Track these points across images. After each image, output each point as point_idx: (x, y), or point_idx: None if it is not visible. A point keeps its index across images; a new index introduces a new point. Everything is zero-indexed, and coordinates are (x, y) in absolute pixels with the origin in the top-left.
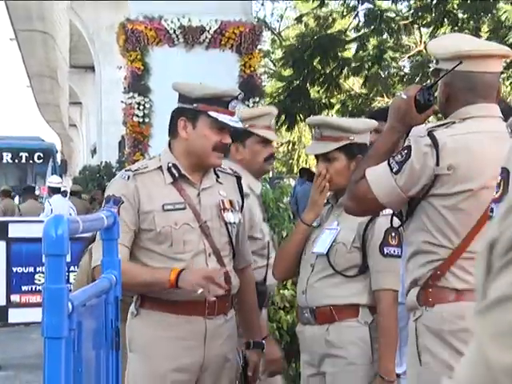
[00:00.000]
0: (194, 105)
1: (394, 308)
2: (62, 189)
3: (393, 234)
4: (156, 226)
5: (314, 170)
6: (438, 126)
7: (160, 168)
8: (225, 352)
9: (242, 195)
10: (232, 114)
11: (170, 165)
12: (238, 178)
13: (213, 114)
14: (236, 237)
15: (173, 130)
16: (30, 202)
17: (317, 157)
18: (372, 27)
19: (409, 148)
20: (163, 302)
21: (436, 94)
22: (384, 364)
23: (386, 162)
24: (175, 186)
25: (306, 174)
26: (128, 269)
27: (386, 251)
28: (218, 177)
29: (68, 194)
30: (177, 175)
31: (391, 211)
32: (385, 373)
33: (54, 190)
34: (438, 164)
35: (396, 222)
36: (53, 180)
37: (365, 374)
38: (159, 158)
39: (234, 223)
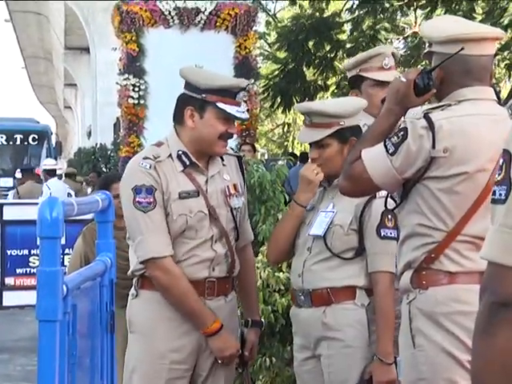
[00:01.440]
0: (203, 95)
1: (390, 290)
2: (58, 171)
3: (389, 217)
4: (173, 213)
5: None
6: (434, 108)
7: (170, 156)
8: None
9: (244, 174)
10: (239, 104)
11: (180, 152)
12: (239, 158)
13: (221, 105)
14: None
15: (179, 118)
16: (30, 184)
17: (310, 143)
18: (366, 9)
19: (405, 130)
20: None
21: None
22: (382, 346)
23: (382, 143)
24: (186, 173)
25: (306, 159)
26: (185, 291)
27: (382, 233)
28: (222, 160)
29: (63, 176)
30: (187, 163)
31: (387, 193)
32: (383, 355)
33: (50, 173)
34: (433, 146)
35: (390, 203)
36: (48, 162)
37: (362, 357)
38: (167, 144)
39: (239, 208)
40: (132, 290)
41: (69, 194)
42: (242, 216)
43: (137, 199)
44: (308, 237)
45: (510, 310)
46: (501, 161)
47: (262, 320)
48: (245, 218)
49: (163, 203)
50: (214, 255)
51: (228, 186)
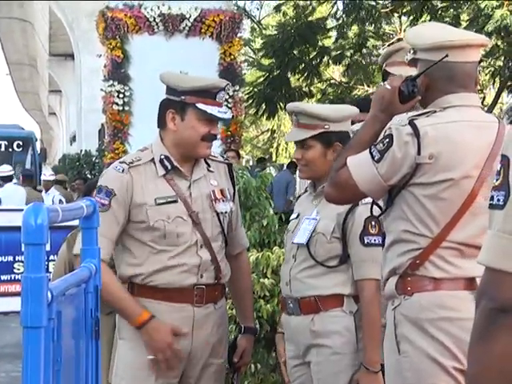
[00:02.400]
0: (182, 97)
1: (376, 297)
2: (45, 178)
3: (373, 223)
4: (149, 219)
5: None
6: (419, 114)
7: (152, 160)
8: (212, 341)
9: (234, 182)
10: (220, 104)
11: (162, 157)
12: (229, 166)
13: (201, 106)
14: (229, 224)
15: (161, 122)
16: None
17: (295, 143)
18: (353, 15)
19: (390, 137)
20: (152, 289)
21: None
22: (368, 354)
23: (367, 150)
24: (166, 178)
25: (294, 167)
26: (107, 283)
27: (366, 240)
28: (208, 165)
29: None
30: (169, 167)
31: (371, 200)
32: (369, 363)
33: (5, 179)
34: (419, 153)
35: (376, 210)
36: (3, 169)
37: (350, 364)
38: (151, 149)
39: (226, 212)
40: None
41: (60, 201)
42: (234, 221)
43: (96, 197)
44: (293, 245)
45: (509, 316)
46: (498, 166)
47: (257, 327)
48: (238, 224)
49: (125, 209)
50: (200, 261)
51: (214, 191)
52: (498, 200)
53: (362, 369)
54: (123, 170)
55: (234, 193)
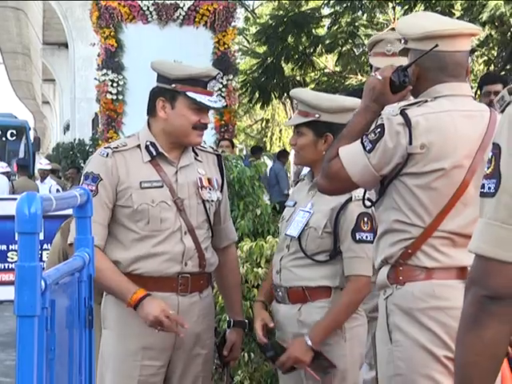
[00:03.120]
0: (173, 85)
1: (360, 294)
2: (41, 167)
3: (365, 219)
4: (133, 203)
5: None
6: (411, 104)
7: (138, 146)
8: (198, 331)
9: (223, 174)
10: (210, 93)
11: (147, 143)
12: (219, 156)
13: (191, 94)
14: (217, 215)
15: (151, 110)
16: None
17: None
18: (345, 5)
19: (382, 126)
20: (135, 278)
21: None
22: (316, 331)
23: (359, 140)
24: (153, 164)
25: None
26: (99, 267)
27: (358, 237)
28: (196, 155)
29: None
30: (154, 153)
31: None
32: (311, 337)
33: None
34: (410, 143)
35: (368, 202)
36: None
37: (336, 354)
38: (138, 136)
39: (212, 201)
40: None
41: (57, 191)
42: (222, 213)
43: (83, 185)
44: (285, 235)
45: (499, 303)
46: (490, 154)
47: (246, 320)
48: (227, 217)
49: (112, 193)
50: (184, 248)
51: (201, 179)
52: (489, 188)
53: (302, 338)
54: (107, 155)
55: (223, 184)
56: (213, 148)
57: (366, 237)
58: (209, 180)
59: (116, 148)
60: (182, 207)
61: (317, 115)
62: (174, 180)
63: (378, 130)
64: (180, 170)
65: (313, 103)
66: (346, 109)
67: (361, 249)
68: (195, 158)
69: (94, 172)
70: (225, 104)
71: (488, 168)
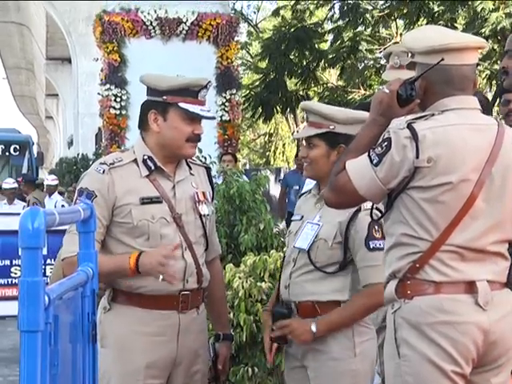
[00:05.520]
0: (164, 97)
1: (376, 299)
2: (48, 183)
3: (376, 227)
4: (133, 219)
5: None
6: (418, 118)
7: (135, 161)
8: (197, 347)
9: (212, 185)
10: (202, 103)
11: (145, 157)
12: (208, 169)
13: (183, 105)
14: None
15: (143, 124)
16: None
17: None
18: (347, 19)
19: (389, 140)
20: (136, 296)
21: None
22: (327, 319)
23: (366, 154)
24: (150, 179)
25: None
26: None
27: (371, 245)
28: (190, 168)
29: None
30: (153, 168)
31: (371, 206)
32: (319, 322)
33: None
34: (417, 156)
35: (376, 214)
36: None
37: (346, 369)
38: (133, 150)
39: (208, 215)
40: (103, 303)
41: (63, 207)
42: (210, 226)
43: (77, 200)
44: (294, 248)
45: None
46: None
47: (232, 333)
48: (213, 229)
49: (108, 210)
50: (185, 265)
51: (197, 193)
52: None
53: (309, 321)
54: (104, 171)
55: (213, 197)
56: (201, 161)
57: (380, 244)
58: (203, 193)
59: (112, 164)
60: (180, 224)
61: (331, 126)
62: (171, 195)
63: (385, 143)
64: (177, 184)
65: (328, 114)
66: (360, 120)
67: (376, 257)
68: (189, 172)
69: (89, 188)
70: (228, 118)
71: None
